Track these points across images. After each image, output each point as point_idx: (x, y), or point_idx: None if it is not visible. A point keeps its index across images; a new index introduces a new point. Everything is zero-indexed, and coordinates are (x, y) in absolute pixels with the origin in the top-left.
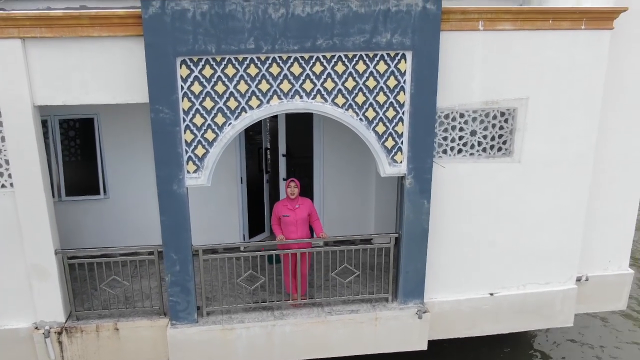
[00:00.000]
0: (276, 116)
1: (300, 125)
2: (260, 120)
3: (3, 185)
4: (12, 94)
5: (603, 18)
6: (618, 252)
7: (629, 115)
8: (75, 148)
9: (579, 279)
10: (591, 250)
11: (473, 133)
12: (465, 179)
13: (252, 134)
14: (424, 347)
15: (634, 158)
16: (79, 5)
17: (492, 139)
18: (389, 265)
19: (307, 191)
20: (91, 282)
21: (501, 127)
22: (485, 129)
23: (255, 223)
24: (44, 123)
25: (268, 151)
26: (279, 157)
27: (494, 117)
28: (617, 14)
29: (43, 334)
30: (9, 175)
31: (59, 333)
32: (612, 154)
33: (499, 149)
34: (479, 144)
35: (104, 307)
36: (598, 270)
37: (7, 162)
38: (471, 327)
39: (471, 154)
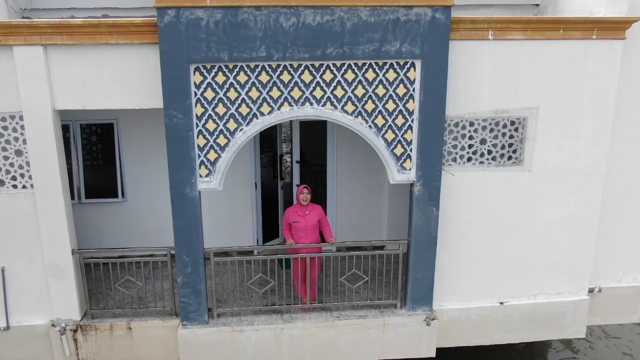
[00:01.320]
0: (291, 123)
1: (314, 133)
2: (276, 128)
3: (24, 186)
4: (34, 98)
5: (614, 28)
6: (632, 264)
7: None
8: (96, 153)
9: (591, 290)
10: (604, 261)
11: (483, 141)
12: (475, 188)
13: (277, 142)
14: (432, 354)
15: None
16: (101, 15)
17: (502, 147)
18: (398, 272)
19: (320, 198)
20: (106, 282)
21: (511, 136)
22: (495, 137)
23: (270, 228)
24: (66, 128)
25: (283, 158)
26: (293, 163)
27: (504, 126)
28: (629, 24)
29: (59, 331)
30: (30, 177)
31: (75, 331)
32: (626, 163)
33: (509, 158)
34: (489, 152)
35: (118, 306)
36: (611, 281)
37: (27, 163)
38: (481, 336)
39: (481, 163)
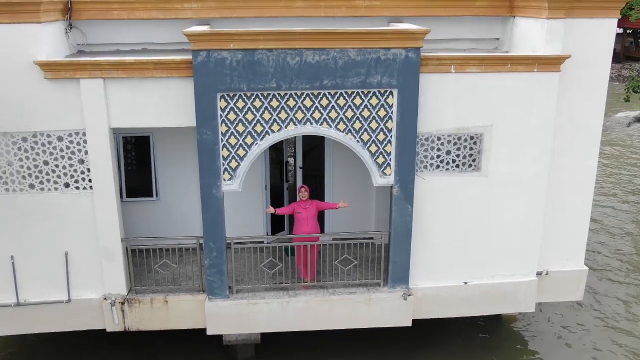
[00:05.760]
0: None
1: (315, 144)
2: (283, 140)
3: (84, 188)
4: (95, 119)
5: (551, 63)
6: (574, 252)
7: (580, 138)
8: (135, 160)
9: (539, 273)
10: (551, 249)
11: (448, 152)
12: (443, 189)
13: (283, 151)
14: (409, 323)
15: (585, 173)
16: (141, 48)
17: (464, 157)
18: (381, 258)
19: (319, 197)
20: (147, 265)
21: (471, 148)
22: (458, 149)
23: (277, 222)
24: None
25: (288, 164)
26: (297, 169)
27: (465, 140)
28: (563, 60)
29: (110, 303)
30: (89, 180)
31: (122, 303)
32: (568, 169)
33: (470, 166)
34: (453, 161)
35: (157, 284)
36: (557, 266)
37: (88, 170)
38: (449, 310)
39: (447, 169)
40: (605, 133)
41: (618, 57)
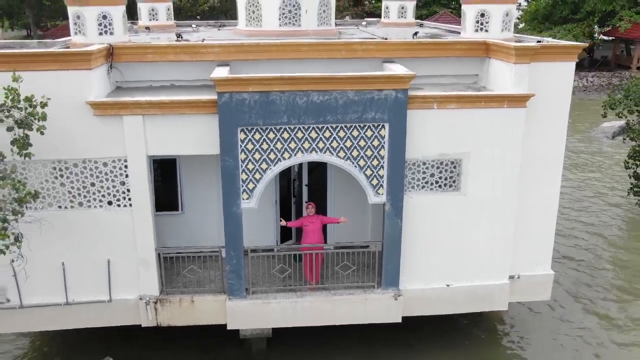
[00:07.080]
0: None
1: (318, 165)
2: None
3: (124, 205)
4: (135, 148)
5: (518, 100)
6: (541, 259)
7: (545, 162)
8: (163, 178)
9: (512, 277)
10: (522, 256)
11: (432, 175)
12: (428, 206)
13: (291, 171)
14: (399, 320)
15: (550, 193)
16: (169, 84)
17: (446, 179)
18: (375, 264)
19: (322, 209)
20: (177, 269)
21: (451, 171)
22: (440, 172)
23: (285, 232)
24: None
25: (295, 181)
26: (303, 186)
27: (446, 165)
28: (528, 98)
29: (145, 303)
30: (129, 199)
31: (155, 303)
32: (536, 190)
33: (450, 186)
34: (437, 182)
35: (184, 286)
36: (527, 271)
37: (128, 190)
38: (434, 308)
39: (431, 189)
40: (587, 143)
41: (610, 65)
